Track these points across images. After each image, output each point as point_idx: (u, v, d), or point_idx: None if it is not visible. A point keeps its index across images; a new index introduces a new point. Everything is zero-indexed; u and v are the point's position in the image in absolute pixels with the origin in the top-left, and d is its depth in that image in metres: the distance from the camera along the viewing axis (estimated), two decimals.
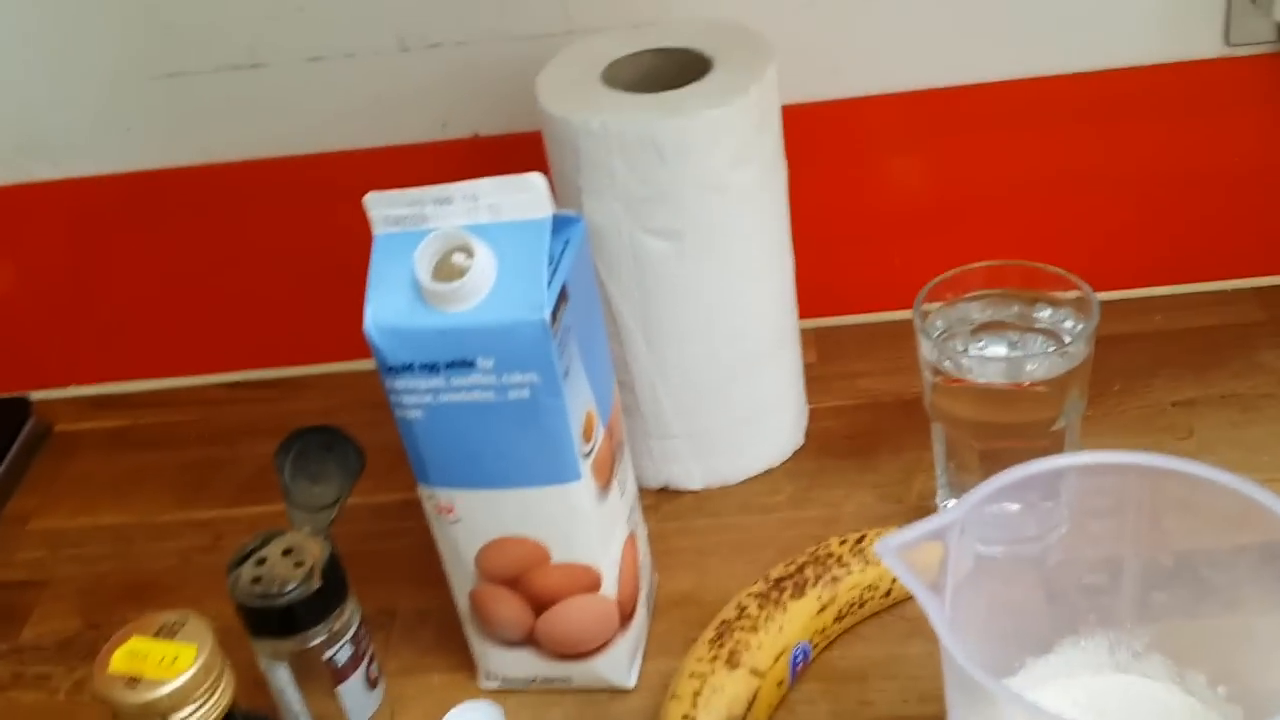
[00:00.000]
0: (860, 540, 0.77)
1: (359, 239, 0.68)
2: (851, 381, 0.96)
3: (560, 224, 0.66)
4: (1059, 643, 0.67)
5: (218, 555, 0.89)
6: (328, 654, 0.71)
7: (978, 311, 0.78)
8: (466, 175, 0.65)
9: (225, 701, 0.61)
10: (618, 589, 0.73)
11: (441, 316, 0.64)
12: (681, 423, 0.86)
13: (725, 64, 0.79)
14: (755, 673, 0.70)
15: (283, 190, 0.99)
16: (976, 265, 0.77)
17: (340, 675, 0.72)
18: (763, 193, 0.81)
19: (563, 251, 0.67)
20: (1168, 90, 0.92)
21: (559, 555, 0.70)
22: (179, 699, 0.59)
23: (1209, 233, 0.98)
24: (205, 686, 0.60)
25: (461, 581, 0.73)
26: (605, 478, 0.71)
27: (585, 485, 0.68)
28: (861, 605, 0.76)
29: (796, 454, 0.90)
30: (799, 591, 0.74)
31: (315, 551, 0.71)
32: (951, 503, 0.80)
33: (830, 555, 0.76)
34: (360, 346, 0.65)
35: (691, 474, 0.88)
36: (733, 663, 0.70)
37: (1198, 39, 0.91)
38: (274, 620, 0.70)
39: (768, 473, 0.89)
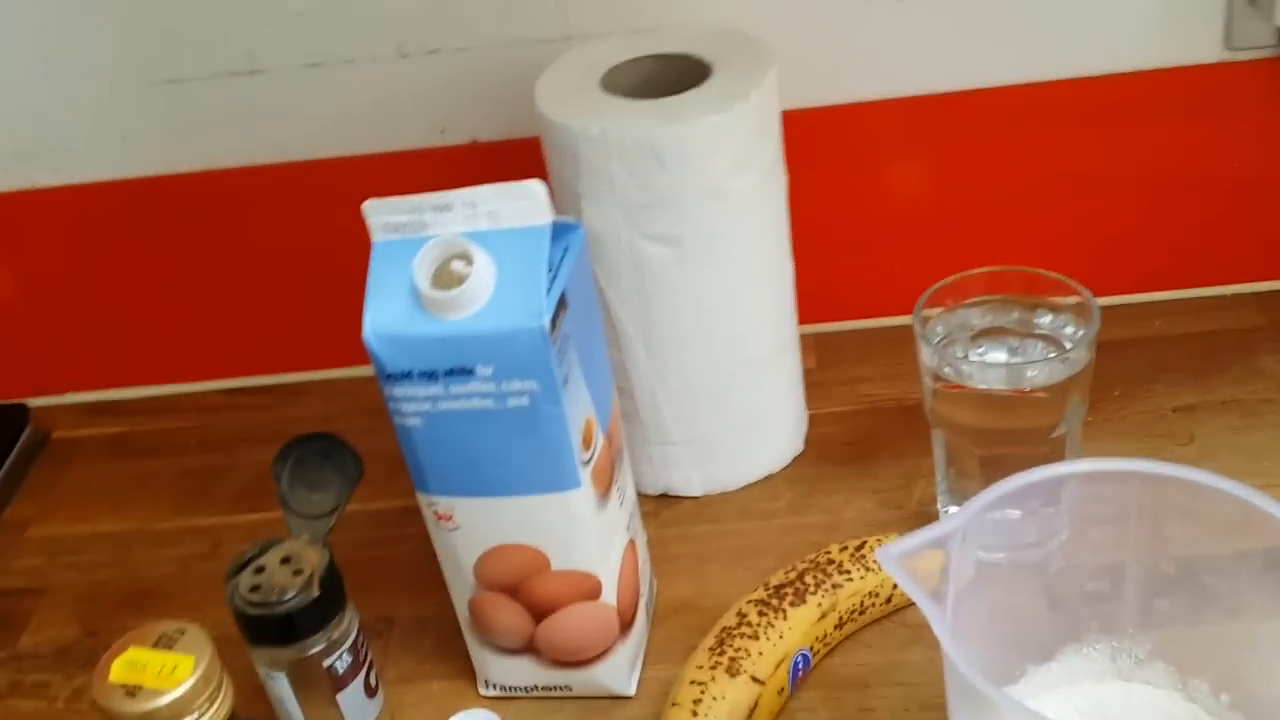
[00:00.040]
0: (861, 547, 0.77)
1: (357, 245, 0.68)
2: (851, 387, 0.95)
3: (560, 231, 0.66)
4: (1061, 650, 0.67)
5: (216, 562, 0.89)
6: (327, 662, 0.71)
7: (978, 317, 0.78)
8: (465, 181, 0.65)
9: (225, 711, 0.62)
10: (618, 596, 0.72)
11: (440, 324, 0.64)
12: (681, 429, 0.85)
13: (725, 70, 0.79)
14: (756, 680, 0.70)
15: (281, 196, 0.99)
16: (977, 271, 0.77)
17: (339, 683, 0.72)
18: (762, 198, 0.81)
19: (562, 258, 0.67)
20: (1168, 94, 0.92)
21: (559, 563, 0.70)
22: (178, 709, 0.60)
23: (1209, 237, 0.98)
24: (204, 696, 0.60)
25: (461, 589, 0.73)
26: (605, 485, 0.70)
27: (585, 493, 0.68)
28: (862, 612, 0.76)
29: (796, 460, 0.90)
30: (799, 598, 0.74)
31: (314, 560, 0.71)
32: (952, 509, 0.80)
33: (831, 562, 0.76)
34: (358, 353, 0.65)
35: (691, 480, 0.88)
36: (733, 670, 0.70)
37: (1198, 43, 0.91)
38: (273, 629, 0.69)
39: (768, 479, 0.89)
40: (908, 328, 0.76)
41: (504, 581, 0.71)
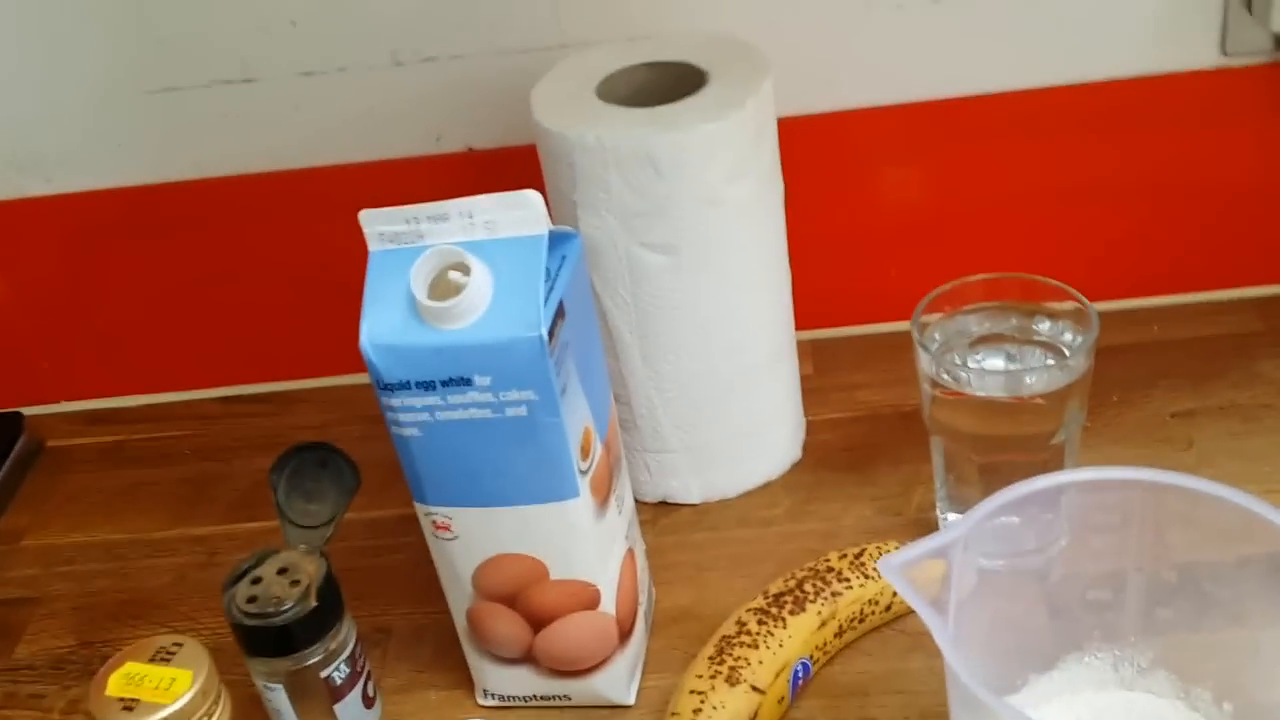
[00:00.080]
0: (860, 554, 0.77)
1: (352, 253, 0.68)
2: (849, 394, 0.95)
3: (557, 240, 0.66)
4: (1063, 659, 0.67)
5: (213, 572, 0.89)
6: (324, 673, 0.71)
7: (976, 324, 0.77)
8: (460, 189, 0.65)
9: None
10: (616, 605, 0.72)
11: (438, 334, 0.63)
12: (679, 437, 0.85)
13: (721, 78, 0.79)
14: (756, 689, 0.70)
15: (276, 204, 0.99)
16: (975, 278, 0.77)
17: (337, 694, 0.72)
18: (759, 206, 0.81)
19: (559, 268, 0.67)
20: (1164, 101, 0.92)
21: (557, 572, 0.70)
22: None
23: (1206, 243, 0.98)
24: (203, 710, 0.60)
25: (459, 599, 0.73)
26: (603, 494, 0.70)
27: (583, 502, 0.68)
28: (862, 620, 0.76)
29: (794, 467, 0.90)
30: (799, 607, 0.73)
31: (311, 570, 0.70)
32: (951, 516, 0.80)
33: (830, 570, 0.76)
34: (355, 360, 0.65)
35: (689, 488, 0.88)
36: (733, 679, 0.70)
37: (1194, 49, 0.91)
38: (270, 640, 0.69)
39: (766, 486, 0.89)
40: (906, 334, 0.76)
41: (502, 591, 0.71)
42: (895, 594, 0.75)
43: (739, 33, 0.84)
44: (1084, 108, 0.92)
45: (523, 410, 0.64)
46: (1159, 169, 0.94)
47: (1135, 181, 0.95)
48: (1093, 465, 0.64)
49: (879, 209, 0.97)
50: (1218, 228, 0.97)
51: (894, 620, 0.77)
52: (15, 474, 1.01)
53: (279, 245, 1.00)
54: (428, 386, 0.64)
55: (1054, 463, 0.75)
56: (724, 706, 0.69)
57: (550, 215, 0.65)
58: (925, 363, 0.75)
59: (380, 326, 0.64)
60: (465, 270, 0.63)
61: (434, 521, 0.69)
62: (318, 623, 0.70)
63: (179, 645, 0.67)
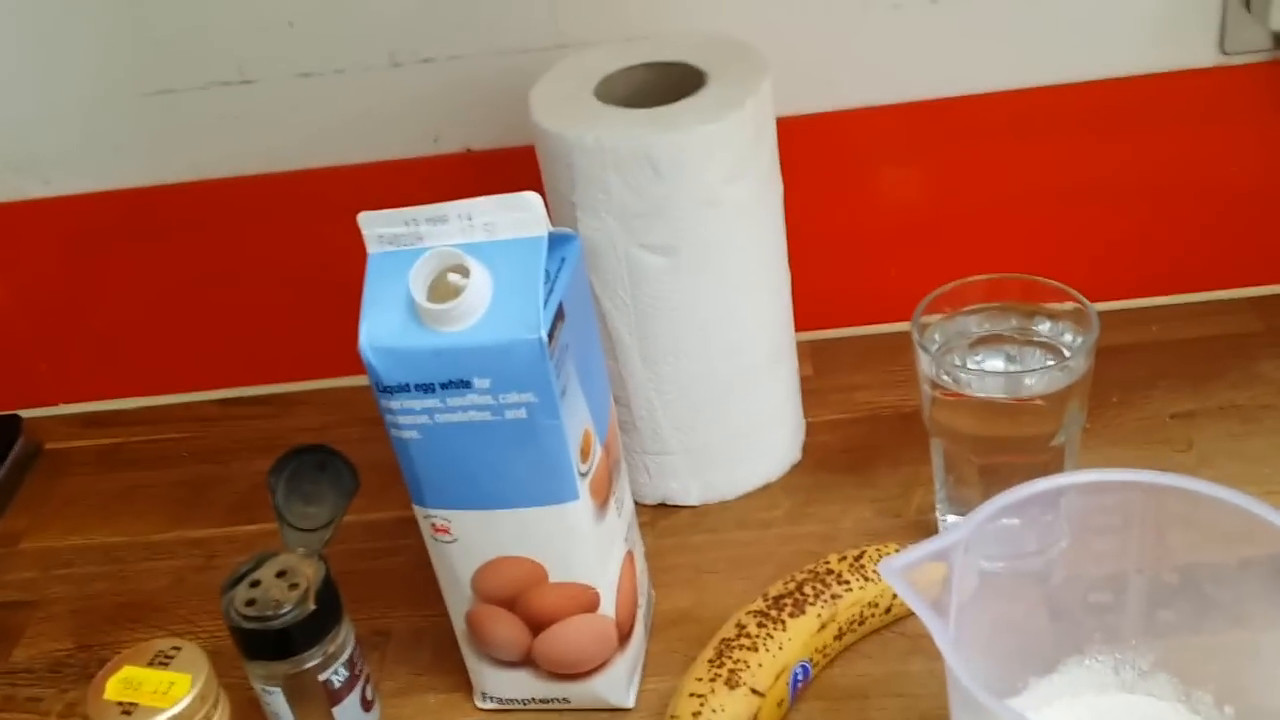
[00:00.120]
0: (860, 556, 0.77)
1: (351, 254, 0.67)
2: (848, 395, 0.95)
3: (556, 242, 0.66)
4: (1064, 662, 0.66)
5: (211, 574, 0.89)
6: (323, 676, 0.71)
7: (976, 325, 0.77)
8: (458, 190, 0.65)
9: None
10: (616, 608, 0.72)
11: (437, 336, 0.63)
12: (678, 438, 0.85)
13: (720, 78, 0.79)
14: (755, 692, 0.70)
15: (274, 206, 0.99)
16: (975, 278, 0.77)
17: (336, 697, 0.72)
18: (758, 207, 0.80)
19: (559, 270, 0.66)
20: (1163, 100, 0.92)
21: (556, 575, 0.70)
22: None
23: (1206, 242, 0.98)
24: (201, 714, 0.60)
25: (458, 602, 0.73)
26: (603, 496, 0.70)
27: (583, 505, 0.67)
28: (862, 622, 0.75)
29: (794, 468, 0.90)
30: (798, 609, 0.73)
31: (309, 573, 0.70)
32: (951, 517, 0.80)
33: (830, 572, 0.76)
34: (353, 362, 0.65)
35: (689, 490, 0.87)
36: (732, 682, 0.69)
37: (1193, 48, 0.91)
38: (268, 643, 0.69)
39: (765, 488, 0.89)
40: (905, 335, 0.76)
41: (502, 594, 0.71)
42: (895, 596, 0.75)
43: (737, 33, 0.84)
44: (1083, 107, 0.92)
45: (522, 413, 0.64)
46: (1158, 168, 0.94)
47: (1134, 181, 0.95)
48: (1093, 467, 0.63)
49: (878, 209, 0.97)
50: (1217, 227, 0.97)
51: (894, 623, 0.77)
52: (13, 476, 1.01)
53: (277, 247, 1.00)
54: (427, 389, 0.64)
55: (1054, 464, 0.75)
56: (724, 709, 0.68)
57: (549, 216, 0.65)
58: (925, 364, 0.75)
59: (379, 329, 0.64)
60: (464, 272, 0.63)
61: (433, 524, 0.69)
62: (316, 626, 0.70)
63: (177, 649, 0.66)
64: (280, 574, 0.70)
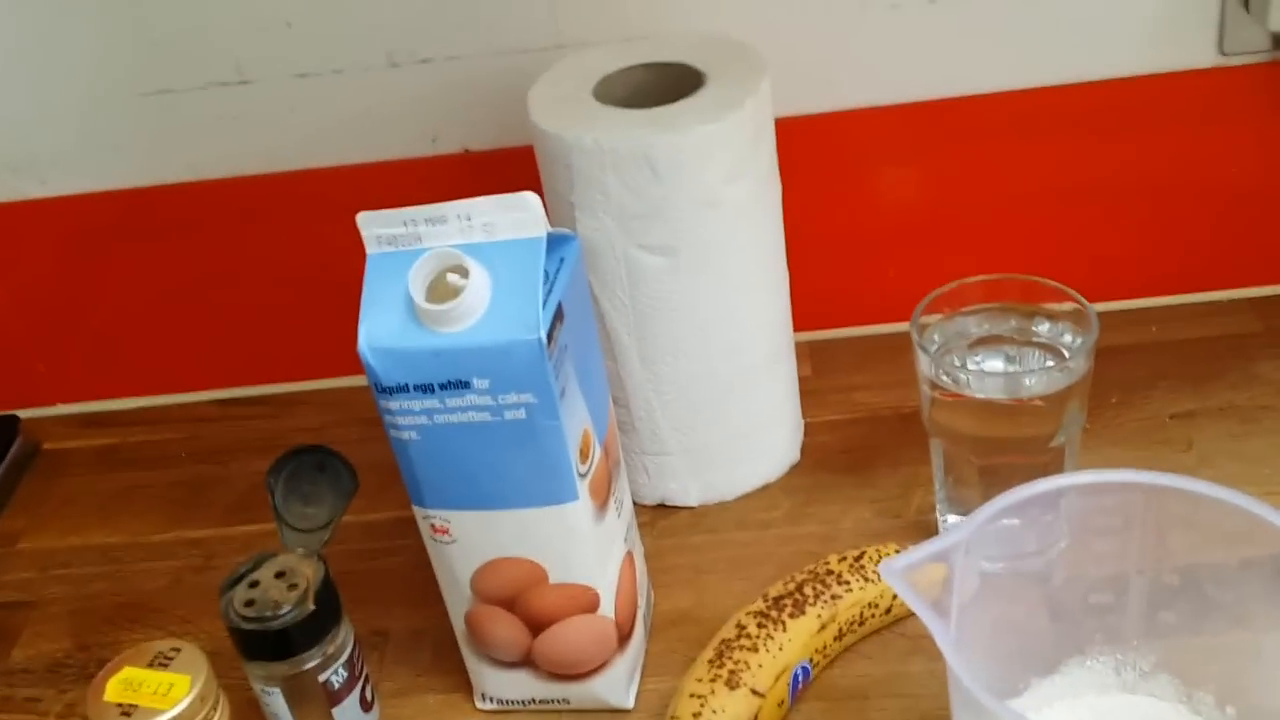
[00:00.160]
0: (859, 557, 0.76)
1: (349, 254, 0.67)
2: (848, 395, 0.95)
3: (555, 242, 0.66)
4: (1065, 663, 0.66)
5: (210, 575, 0.89)
6: (322, 677, 0.71)
7: (975, 325, 0.77)
8: (457, 191, 0.65)
9: None
10: (615, 609, 0.72)
11: (436, 337, 0.63)
12: (677, 439, 0.85)
13: (718, 78, 0.79)
14: (756, 693, 0.70)
15: (272, 206, 0.98)
16: (974, 279, 0.77)
17: (335, 698, 0.72)
18: (757, 207, 0.80)
19: (558, 270, 0.66)
20: (1162, 100, 0.92)
21: (556, 575, 0.70)
22: None
23: (1205, 243, 0.97)
24: (200, 716, 0.60)
25: (457, 602, 0.72)
26: (602, 497, 0.70)
27: (582, 505, 0.67)
28: (862, 623, 0.75)
29: (793, 469, 0.90)
30: (799, 610, 0.73)
31: (308, 574, 0.70)
32: (950, 518, 0.80)
33: (830, 572, 0.75)
34: (352, 362, 0.65)
35: (688, 490, 0.87)
36: (732, 683, 0.69)
37: (1192, 49, 0.91)
38: (268, 644, 0.69)
39: (764, 488, 0.89)
40: (904, 335, 0.76)
41: (501, 595, 0.71)
42: (895, 597, 0.75)
43: (736, 33, 0.84)
44: (1082, 107, 0.92)
45: (521, 413, 0.64)
46: (1157, 169, 0.94)
47: (1134, 181, 0.95)
48: (1093, 468, 0.63)
49: (877, 210, 0.97)
50: (1217, 227, 0.97)
51: (894, 623, 0.77)
52: (11, 477, 1.01)
53: (275, 247, 1.00)
54: (426, 389, 0.64)
55: (1054, 465, 0.75)
56: (724, 710, 0.68)
57: (548, 217, 0.64)
58: (924, 364, 0.75)
59: (378, 329, 0.64)
60: (463, 273, 0.63)
61: (432, 525, 0.69)
62: (315, 626, 0.69)
63: (177, 650, 0.66)
64: (279, 574, 0.70)
